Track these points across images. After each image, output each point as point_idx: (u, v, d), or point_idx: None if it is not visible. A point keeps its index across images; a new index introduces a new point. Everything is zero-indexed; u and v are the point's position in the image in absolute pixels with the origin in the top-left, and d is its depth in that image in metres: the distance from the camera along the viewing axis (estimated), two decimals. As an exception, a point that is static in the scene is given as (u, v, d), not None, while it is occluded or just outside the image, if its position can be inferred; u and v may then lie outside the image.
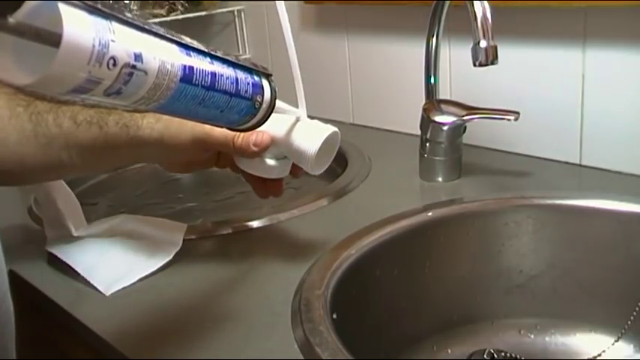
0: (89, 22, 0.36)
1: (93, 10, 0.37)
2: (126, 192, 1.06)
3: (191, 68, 0.45)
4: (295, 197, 0.95)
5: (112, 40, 0.37)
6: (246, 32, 1.34)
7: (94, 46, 0.36)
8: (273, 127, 0.61)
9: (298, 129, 0.61)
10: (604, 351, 0.70)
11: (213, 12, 1.34)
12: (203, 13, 1.32)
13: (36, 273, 0.70)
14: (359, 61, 1.12)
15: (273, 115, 0.56)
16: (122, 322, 0.60)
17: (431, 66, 0.87)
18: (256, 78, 0.52)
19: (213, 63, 0.47)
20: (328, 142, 0.60)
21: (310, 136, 0.60)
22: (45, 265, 0.71)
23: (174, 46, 0.44)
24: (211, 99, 0.47)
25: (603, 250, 0.72)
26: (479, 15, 0.69)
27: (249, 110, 0.52)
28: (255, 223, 0.77)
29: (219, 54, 0.48)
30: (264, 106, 0.53)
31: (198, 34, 1.44)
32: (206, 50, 0.47)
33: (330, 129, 0.61)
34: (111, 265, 0.68)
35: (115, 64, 0.38)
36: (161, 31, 0.42)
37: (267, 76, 0.54)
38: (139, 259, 0.68)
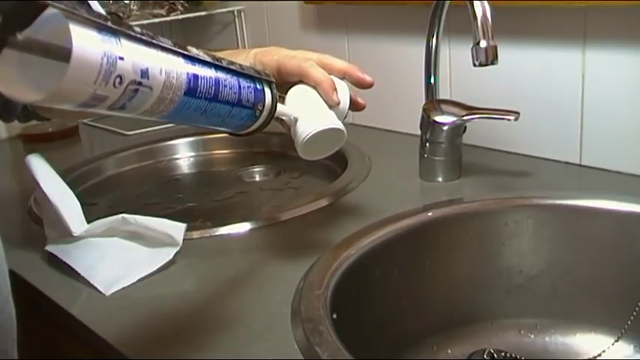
0: (98, 39, 0.36)
1: (102, 28, 0.37)
2: (126, 192, 1.06)
3: (195, 81, 0.45)
4: (295, 197, 0.95)
5: (120, 57, 0.37)
6: (246, 32, 1.34)
7: (101, 65, 0.36)
8: (296, 97, 0.62)
9: (308, 108, 0.61)
10: (604, 351, 0.70)
11: (213, 12, 1.34)
12: (203, 13, 1.32)
13: (36, 273, 0.70)
14: (359, 61, 1.12)
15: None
16: (122, 322, 0.60)
17: (431, 66, 0.87)
18: (258, 86, 0.53)
19: (217, 74, 0.48)
20: (325, 135, 0.60)
21: (310, 121, 0.60)
22: (45, 265, 0.71)
23: (180, 59, 0.44)
24: (213, 109, 0.48)
25: (603, 250, 0.72)
26: (479, 15, 0.69)
27: (250, 117, 0.53)
28: (255, 223, 0.77)
29: (223, 64, 0.49)
30: (265, 113, 0.54)
31: (198, 34, 1.44)
32: (211, 61, 0.47)
33: (331, 124, 0.60)
34: (111, 265, 0.68)
35: (121, 82, 0.38)
36: (168, 44, 0.42)
37: (270, 83, 0.54)
38: (139, 259, 0.68)
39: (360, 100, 0.67)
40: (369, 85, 0.66)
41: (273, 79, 0.55)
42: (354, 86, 0.66)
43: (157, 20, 1.29)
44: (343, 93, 0.64)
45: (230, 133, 0.56)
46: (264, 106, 0.53)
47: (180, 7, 1.32)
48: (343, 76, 0.65)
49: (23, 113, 0.74)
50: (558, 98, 0.86)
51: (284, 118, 0.59)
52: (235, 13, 1.33)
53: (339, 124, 0.61)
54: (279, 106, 0.56)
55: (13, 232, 0.83)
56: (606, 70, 0.81)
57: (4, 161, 1.23)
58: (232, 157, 1.18)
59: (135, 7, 1.30)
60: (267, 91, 0.54)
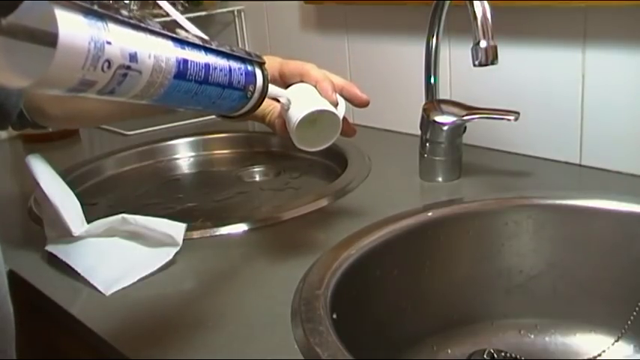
0: (84, 24, 0.36)
1: (88, 12, 0.36)
2: (126, 192, 1.06)
3: (185, 64, 0.45)
4: (295, 197, 0.96)
5: (108, 42, 0.37)
6: (246, 32, 1.34)
7: (89, 50, 0.36)
8: (295, 92, 0.62)
9: (297, 97, 0.61)
10: (604, 351, 0.70)
11: (213, 12, 1.34)
12: (203, 13, 1.32)
13: (36, 273, 0.70)
14: (359, 61, 1.12)
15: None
16: (122, 322, 0.60)
17: (431, 66, 0.87)
18: (249, 67, 0.53)
19: (207, 56, 0.47)
20: (319, 119, 0.60)
21: (299, 106, 0.60)
22: (45, 265, 0.71)
23: (170, 42, 0.44)
24: (204, 92, 0.48)
25: (603, 250, 0.72)
26: (479, 15, 0.69)
27: (242, 99, 0.53)
28: (255, 223, 0.77)
29: (213, 46, 0.48)
30: (256, 95, 0.54)
31: (198, 34, 1.44)
32: (201, 44, 0.47)
33: (325, 106, 0.60)
34: (111, 265, 0.68)
35: (109, 67, 0.38)
36: (157, 27, 0.42)
37: (261, 65, 0.54)
38: (139, 259, 0.68)
39: (352, 126, 0.68)
40: (364, 104, 0.67)
41: (264, 60, 0.55)
42: (349, 103, 0.66)
43: (157, 20, 1.29)
44: (341, 105, 0.64)
45: (223, 116, 0.56)
46: (255, 87, 0.53)
47: (180, 7, 1.32)
48: (340, 91, 0.65)
49: (19, 121, 0.73)
50: (558, 98, 0.86)
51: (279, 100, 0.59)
52: (235, 13, 1.34)
53: (333, 109, 0.61)
54: (271, 87, 0.56)
55: (13, 232, 0.83)
56: (606, 70, 0.81)
57: (4, 161, 1.23)
58: (232, 157, 1.18)
59: (135, 7, 1.30)
60: (259, 72, 0.54)
